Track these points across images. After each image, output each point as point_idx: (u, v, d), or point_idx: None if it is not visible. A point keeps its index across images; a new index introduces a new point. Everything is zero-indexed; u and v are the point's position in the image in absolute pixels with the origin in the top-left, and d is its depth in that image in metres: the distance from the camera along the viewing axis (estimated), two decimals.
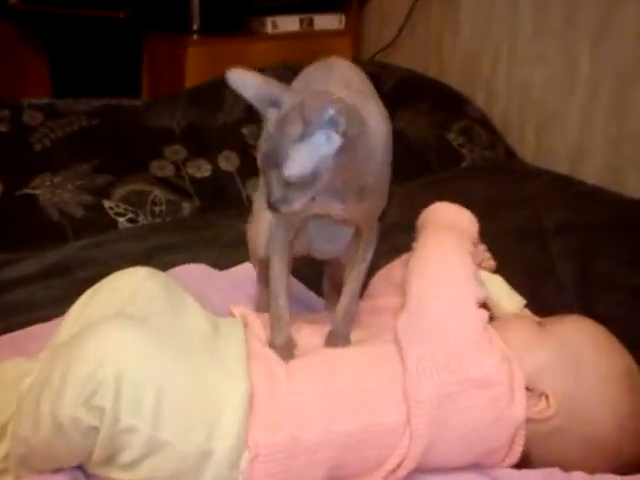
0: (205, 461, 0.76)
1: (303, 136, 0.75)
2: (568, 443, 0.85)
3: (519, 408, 0.84)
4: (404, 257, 1.08)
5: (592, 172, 1.82)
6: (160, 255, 1.40)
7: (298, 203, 0.78)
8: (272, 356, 0.89)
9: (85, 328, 0.81)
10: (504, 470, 0.87)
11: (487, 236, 1.47)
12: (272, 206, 0.78)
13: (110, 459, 0.76)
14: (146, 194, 1.63)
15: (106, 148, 1.70)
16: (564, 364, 0.87)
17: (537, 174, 1.81)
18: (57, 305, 1.17)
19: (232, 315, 0.99)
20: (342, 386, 0.86)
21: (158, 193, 1.64)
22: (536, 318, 0.97)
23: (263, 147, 0.78)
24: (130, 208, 1.60)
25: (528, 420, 0.84)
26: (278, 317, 0.93)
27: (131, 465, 0.75)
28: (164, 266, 1.35)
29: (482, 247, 1.06)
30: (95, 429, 0.73)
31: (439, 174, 1.82)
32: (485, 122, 2.01)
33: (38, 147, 1.65)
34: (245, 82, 0.80)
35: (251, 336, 0.92)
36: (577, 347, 0.88)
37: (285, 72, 2.02)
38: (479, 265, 1.01)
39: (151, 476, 0.76)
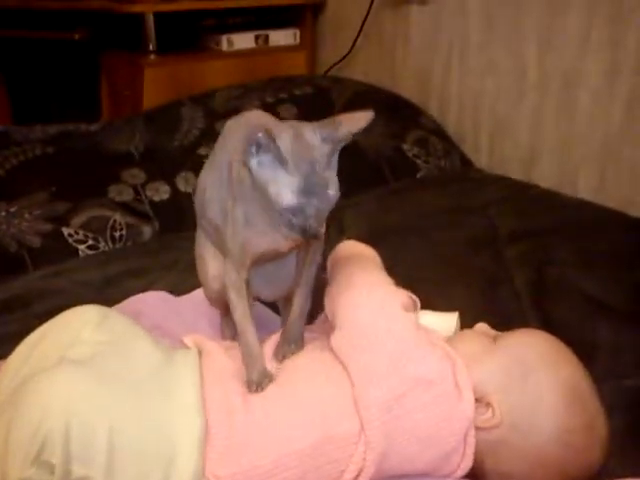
0: None
1: (330, 157, 0.84)
2: (513, 454, 0.87)
3: (467, 405, 0.86)
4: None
5: (545, 175, 1.87)
6: (119, 282, 1.40)
7: (323, 229, 0.85)
8: (228, 383, 0.89)
9: (26, 381, 0.79)
10: None
11: (446, 247, 1.51)
12: (313, 235, 0.82)
13: None
14: (106, 219, 1.62)
15: (63, 175, 1.69)
16: (510, 376, 0.89)
17: (492, 181, 1.85)
18: (15, 342, 1.17)
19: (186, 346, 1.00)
20: (295, 405, 0.87)
21: (118, 218, 1.63)
22: (492, 332, 0.98)
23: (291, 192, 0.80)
24: (90, 234, 1.59)
25: (476, 428, 0.87)
26: (249, 354, 0.93)
27: None
28: (123, 293, 1.36)
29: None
30: None
31: (393, 185, 1.85)
32: (439, 132, 2.05)
33: None
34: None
35: (206, 364, 0.92)
36: (524, 359, 0.90)
37: (242, 90, 2.05)
38: None
39: None
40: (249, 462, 0.82)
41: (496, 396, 0.88)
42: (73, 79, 2.49)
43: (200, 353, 0.95)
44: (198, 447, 0.80)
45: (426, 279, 1.27)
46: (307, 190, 0.81)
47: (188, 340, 0.99)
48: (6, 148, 1.71)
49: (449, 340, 0.95)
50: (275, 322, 1.19)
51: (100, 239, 1.59)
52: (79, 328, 0.90)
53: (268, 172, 0.82)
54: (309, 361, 0.94)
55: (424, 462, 0.88)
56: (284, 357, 0.92)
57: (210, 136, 1.88)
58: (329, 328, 1.06)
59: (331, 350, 0.92)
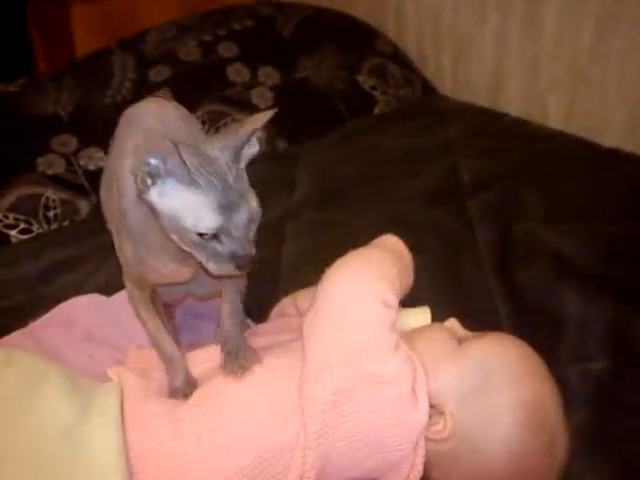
0: None
1: (237, 167, 0.75)
2: (462, 469, 0.81)
3: (421, 414, 0.79)
4: (298, 293, 1.02)
5: (513, 100, 1.73)
6: (54, 276, 1.29)
7: (256, 253, 0.75)
8: (152, 415, 0.82)
9: None
10: None
11: (404, 202, 1.39)
12: (249, 262, 0.73)
13: None
14: (37, 198, 1.49)
15: None
16: (469, 387, 0.81)
17: (456, 112, 1.70)
18: None
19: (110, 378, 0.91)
20: (227, 426, 0.80)
21: (50, 194, 1.50)
22: (461, 332, 0.89)
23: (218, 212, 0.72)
24: (21, 217, 1.46)
25: (426, 438, 0.80)
26: (169, 361, 0.89)
27: None
28: (58, 290, 1.26)
29: None
30: None
31: (349, 125, 1.70)
32: (398, 57, 1.87)
33: None
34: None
35: (127, 400, 0.84)
36: (487, 372, 0.82)
37: (175, 29, 1.85)
38: None
39: None
40: None
41: (451, 407, 0.81)
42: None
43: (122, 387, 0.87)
44: None
45: None
46: (227, 206, 0.72)
47: (111, 373, 0.91)
48: None
49: (415, 333, 0.87)
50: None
51: (33, 221, 1.46)
52: None
53: (174, 200, 0.73)
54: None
55: (370, 468, 0.82)
56: (243, 368, 0.84)
57: (144, 87, 1.72)
58: (289, 322, 0.99)
59: (291, 348, 0.86)
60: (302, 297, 1.02)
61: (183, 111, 0.94)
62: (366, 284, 0.83)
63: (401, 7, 1.89)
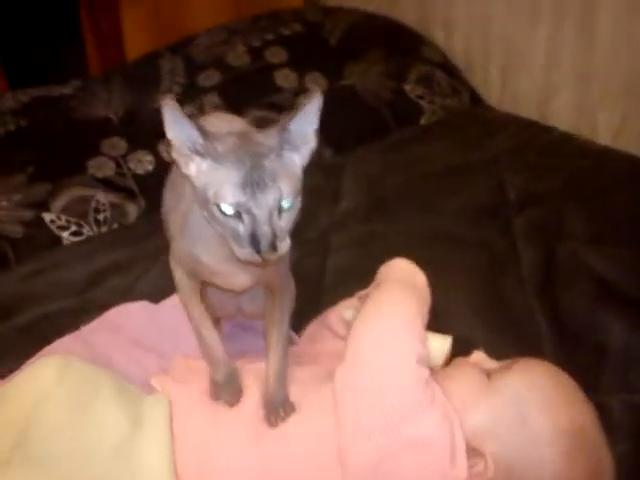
0: None
1: (280, 151, 0.74)
2: None
3: (460, 471, 0.80)
4: (343, 303, 1.02)
5: (561, 113, 1.70)
6: (103, 280, 1.33)
7: (285, 246, 0.74)
8: (200, 434, 0.85)
9: None
10: None
11: (450, 217, 1.39)
12: (270, 248, 0.72)
13: None
14: (87, 200, 1.53)
15: (40, 152, 1.59)
16: (506, 425, 0.82)
17: (503, 125, 1.69)
18: None
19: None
20: (270, 467, 0.82)
21: (100, 197, 1.54)
22: (488, 363, 0.89)
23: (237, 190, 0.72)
24: (72, 219, 1.50)
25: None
26: (211, 356, 0.91)
27: None
28: (107, 294, 1.30)
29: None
30: None
31: (395, 136, 1.69)
32: (445, 64, 1.86)
33: None
34: (176, 122, 0.74)
35: (175, 416, 0.87)
36: (523, 404, 0.82)
37: (224, 34, 1.87)
38: None
39: None
40: None
41: (491, 447, 0.81)
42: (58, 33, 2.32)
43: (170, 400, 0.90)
44: None
45: (425, 260, 1.15)
46: (251, 183, 0.72)
47: (156, 383, 0.93)
48: None
49: (442, 379, 0.87)
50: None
51: (83, 224, 1.51)
52: (38, 393, 0.84)
53: (207, 175, 0.75)
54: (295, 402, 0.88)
55: None
56: (277, 421, 0.85)
57: (193, 92, 1.74)
58: (315, 350, 1.00)
59: (322, 388, 0.86)
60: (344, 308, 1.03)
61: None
62: (397, 344, 0.83)
63: (450, 14, 1.88)
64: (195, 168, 0.75)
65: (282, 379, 0.89)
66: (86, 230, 1.51)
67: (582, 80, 1.65)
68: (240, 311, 1.02)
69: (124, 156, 1.61)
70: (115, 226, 1.52)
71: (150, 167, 1.61)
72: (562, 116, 1.68)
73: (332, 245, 1.34)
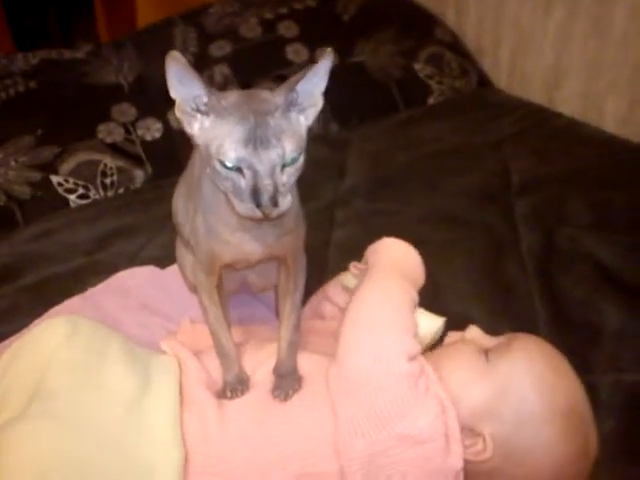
0: None
1: (287, 110, 0.74)
2: None
3: (455, 459, 0.82)
4: (339, 276, 1.04)
5: (569, 99, 1.71)
6: (110, 244, 1.35)
7: (286, 203, 0.73)
8: (205, 406, 0.86)
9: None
10: None
11: (453, 197, 1.41)
12: (271, 203, 0.72)
13: None
14: (95, 164, 1.55)
15: (49, 114, 1.59)
16: (504, 406, 0.83)
17: (510, 109, 1.70)
18: (4, 320, 1.16)
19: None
20: (274, 436, 0.84)
21: (108, 162, 1.56)
22: (484, 340, 0.91)
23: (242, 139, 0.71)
24: (80, 182, 1.52)
25: (466, 461, 0.83)
26: (224, 355, 0.91)
27: None
28: (113, 257, 1.32)
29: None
30: None
31: (403, 114, 1.71)
32: (456, 46, 1.86)
33: None
34: (180, 79, 0.73)
35: (184, 379, 0.89)
36: (520, 386, 0.83)
37: (237, 5, 1.87)
38: None
39: None
40: None
41: (489, 427, 0.83)
42: None
43: (179, 363, 0.92)
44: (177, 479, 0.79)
45: (428, 240, 1.18)
46: (254, 139, 0.71)
47: (166, 347, 0.95)
48: None
49: (439, 359, 0.88)
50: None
51: (90, 187, 1.53)
52: (49, 352, 0.86)
53: (210, 132, 0.74)
54: (307, 390, 0.88)
55: None
56: (286, 397, 0.86)
57: (204, 61, 1.75)
58: (318, 326, 1.02)
59: (322, 373, 0.87)
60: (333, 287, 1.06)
61: None
62: (387, 347, 0.82)
63: None
64: (198, 126, 0.74)
65: (293, 351, 0.90)
66: (93, 193, 1.52)
67: (591, 68, 1.66)
68: (247, 285, 1.03)
69: (133, 122, 1.62)
70: (121, 191, 1.54)
71: (158, 135, 1.62)
72: (569, 102, 1.69)
73: (337, 220, 1.36)
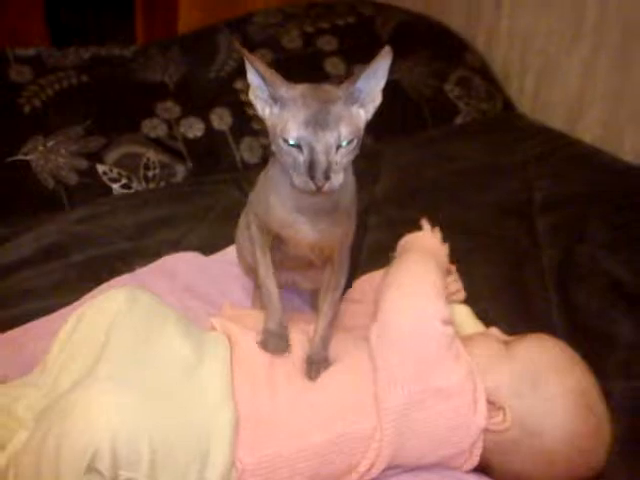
0: None
1: (348, 101, 0.84)
2: (522, 454, 0.92)
3: (480, 418, 0.91)
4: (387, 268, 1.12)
5: (590, 128, 1.80)
6: (153, 231, 1.43)
7: (337, 179, 0.83)
8: (256, 375, 0.94)
9: (69, 393, 0.84)
10: (471, 478, 0.94)
11: (477, 211, 1.49)
12: (324, 177, 0.81)
13: None
14: (139, 157, 1.62)
15: (98, 107, 1.67)
16: (522, 382, 0.93)
17: (533, 133, 1.79)
18: (55, 294, 1.23)
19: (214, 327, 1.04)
20: (318, 401, 0.93)
21: (151, 156, 1.64)
22: (502, 337, 1.01)
23: (307, 118, 0.82)
24: (124, 173, 1.60)
25: (486, 430, 0.92)
26: (269, 304, 1.00)
27: None
28: (157, 244, 1.39)
29: (453, 277, 1.09)
30: None
31: (431, 132, 1.80)
32: (484, 71, 1.96)
33: (27, 108, 1.63)
34: (258, 69, 0.86)
35: (235, 355, 0.96)
36: (536, 367, 0.94)
37: (280, 16, 1.96)
38: (449, 297, 1.06)
39: None
40: (273, 451, 0.88)
41: (509, 401, 0.92)
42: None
43: (228, 338, 0.99)
44: (230, 440, 0.87)
45: (453, 247, 1.26)
46: (314, 122, 0.82)
47: (216, 323, 1.03)
48: (41, 76, 1.69)
49: (467, 341, 0.98)
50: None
51: (133, 178, 1.60)
52: (112, 316, 0.94)
53: (277, 115, 0.85)
54: (337, 356, 0.98)
55: (432, 459, 0.95)
56: (316, 376, 0.94)
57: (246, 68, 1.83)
58: (360, 309, 1.10)
59: (359, 344, 0.96)
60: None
61: None
62: (426, 310, 0.94)
63: (494, 24, 1.97)
64: (269, 111, 0.86)
65: (326, 343, 0.99)
66: (135, 184, 1.60)
67: (613, 99, 1.75)
68: (293, 284, 1.13)
69: (177, 120, 1.71)
70: (162, 184, 1.62)
71: (199, 133, 1.70)
72: (590, 131, 1.78)
73: (370, 224, 1.44)
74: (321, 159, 0.81)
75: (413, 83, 1.86)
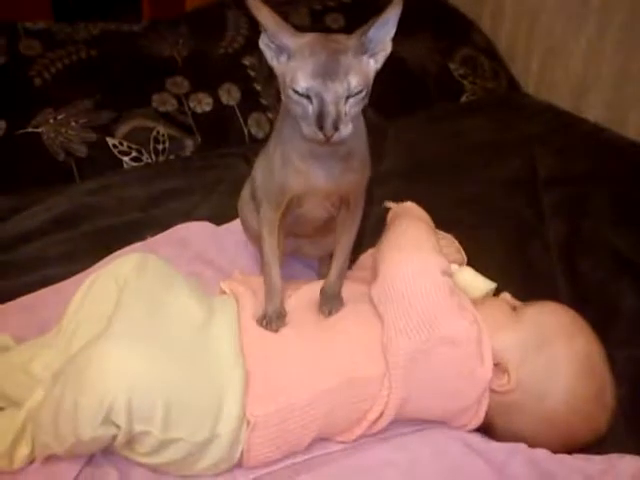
0: (212, 442, 0.87)
1: (358, 51, 0.84)
2: (525, 416, 0.95)
3: (487, 369, 0.93)
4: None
5: (594, 107, 1.82)
6: (163, 202, 1.45)
7: (346, 130, 0.83)
8: (264, 330, 0.96)
9: (85, 349, 0.86)
10: (475, 438, 0.96)
11: (482, 185, 1.51)
12: (333, 127, 0.82)
13: (128, 448, 0.86)
14: (149, 131, 1.64)
15: (108, 81, 1.69)
16: (529, 346, 0.95)
17: (538, 111, 1.80)
18: (66, 262, 1.25)
19: (223, 291, 1.06)
20: (326, 349, 0.95)
21: (161, 129, 1.65)
22: (512, 301, 1.03)
23: (317, 67, 0.81)
24: (134, 146, 1.62)
25: (490, 391, 0.94)
26: (271, 287, 1.01)
27: (148, 454, 0.85)
28: (167, 214, 1.41)
29: (450, 239, 1.12)
30: (115, 434, 0.82)
31: (437, 109, 1.81)
32: (490, 50, 1.97)
33: (38, 81, 1.65)
34: (269, 18, 0.85)
35: (242, 311, 0.99)
36: (542, 330, 0.96)
37: None
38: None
39: (165, 460, 0.86)
40: (284, 401, 0.90)
41: (514, 363, 0.94)
42: None
43: (237, 299, 1.02)
44: (241, 394, 0.89)
45: (459, 221, 1.29)
46: (323, 73, 0.81)
47: (225, 286, 1.05)
48: (51, 50, 1.70)
49: (477, 305, 1.00)
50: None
51: (143, 151, 1.62)
52: (123, 279, 0.97)
53: (286, 65, 0.85)
54: (345, 307, 1.00)
55: (439, 413, 0.97)
56: (330, 312, 0.98)
57: (255, 45, 1.83)
58: (367, 276, 1.12)
59: (366, 299, 0.98)
60: None
61: None
62: (426, 261, 0.95)
63: (500, 3, 1.98)
64: (277, 60, 0.86)
65: (341, 277, 1.02)
66: (145, 157, 1.62)
67: (618, 79, 1.76)
68: (298, 251, 1.15)
69: (186, 95, 1.72)
70: (172, 157, 1.64)
71: (208, 108, 1.72)
72: (594, 110, 1.80)
73: (375, 196, 1.46)
74: (330, 110, 0.81)
75: (419, 61, 1.88)
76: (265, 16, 0.84)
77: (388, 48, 0.88)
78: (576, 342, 0.95)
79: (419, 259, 0.95)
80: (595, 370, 0.94)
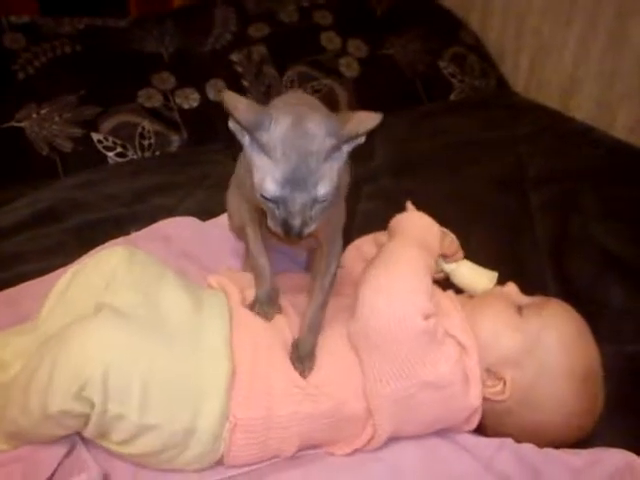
0: (191, 436, 0.84)
1: (331, 153, 0.78)
2: (516, 423, 0.93)
3: (473, 399, 0.91)
4: (376, 235, 1.12)
5: (583, 106, 1.82)
6: (148, 198, 1.43)
7: (314, 224, 0.80)
8: (254, 328, 0.94)
9: (69, 325, 0.84)
10: (463, 435, 0.94)
11: (471, 182, 1.50)
12: (296, 234, 0.79)
13: (103, 435, 0.83)
14: (134, 126, 1.62)
15: (93, 76, 1.67)
16: (528, 359, 0.92)
17: (527, 110, 1.80)
18: (47, 257, 1.22)
19: (211, 285, 1.04)
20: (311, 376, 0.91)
21: (147, 125, 1.64)
22: (520, 298, 0.99)
23: (280, 175, 0.77)
24: (119, 142, 1.60)
25: (484, 398, 0.92)
26: (260, 274, 0.99)
27: (123, 442, 0.83)
28: (152, 210, 1.39)
29: (450, 238, 1.07)
30: (86, 415, 0.80)
31: (426, 107, 1.81)
32: (479, 49, 1.97)
33: (21, 75, 1.62)
34: (236, 105, 0.79)
35: (232, 304, 0.97)
36: (545, 342, 0.93)
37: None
38: (448, 257, 1.06)
39: (142, 451, 0.84)
40: (265, 409, 0.87)
41: (511, 373, 0.92)
42: None
43: (225, 294, 1.00)
44: (225, 391, 0.86)
45: (448, 218, 1.26)
46: (292, 182, 0.77)
47: (213, 281, 1.03)
48: (36, 44, 1.68)
49: (475, 309, 0.97)
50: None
51: (129, 147, 1.60)
52: (110, 271, 0.94)
53: (256, 155, 0.79)
54: (331, 334, 0.95)
55: (429, 431, 0.94)
56: (303, 372, 0.91)
57: (242, 41, 1.84)
58: (352, 274, 1.10)
59: (342, 335, 0.94)
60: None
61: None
62: (405, 307, 0.88)
63: (489, 2, 1.98)
64: (247, 143, 0.80)
65: (314, 331, 0.94)
66: (130, 153, 1.60)
67: (606, 78, 1.76)
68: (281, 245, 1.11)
69: (172, 90, 1.71)
70: (157, 153, 1.62)
71: (195, 104, 1.71)
72: (583, 109, 1.80)
73: (363, 193, 1.45)
74: (296, 219, 0.78)
75: (408, 59, 1.87)
76: (241, 114, 0.78)
77: (362, 139, 0.83)
78: (578, 357, 0.93)
79: (400, 304, 0.88)
80: (592, 387, 0.93)
